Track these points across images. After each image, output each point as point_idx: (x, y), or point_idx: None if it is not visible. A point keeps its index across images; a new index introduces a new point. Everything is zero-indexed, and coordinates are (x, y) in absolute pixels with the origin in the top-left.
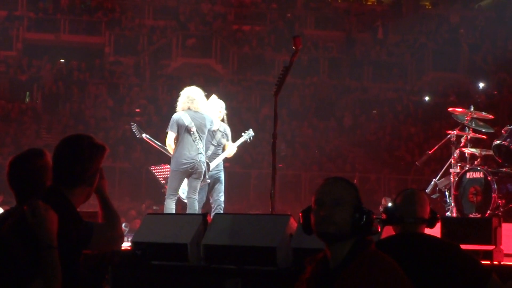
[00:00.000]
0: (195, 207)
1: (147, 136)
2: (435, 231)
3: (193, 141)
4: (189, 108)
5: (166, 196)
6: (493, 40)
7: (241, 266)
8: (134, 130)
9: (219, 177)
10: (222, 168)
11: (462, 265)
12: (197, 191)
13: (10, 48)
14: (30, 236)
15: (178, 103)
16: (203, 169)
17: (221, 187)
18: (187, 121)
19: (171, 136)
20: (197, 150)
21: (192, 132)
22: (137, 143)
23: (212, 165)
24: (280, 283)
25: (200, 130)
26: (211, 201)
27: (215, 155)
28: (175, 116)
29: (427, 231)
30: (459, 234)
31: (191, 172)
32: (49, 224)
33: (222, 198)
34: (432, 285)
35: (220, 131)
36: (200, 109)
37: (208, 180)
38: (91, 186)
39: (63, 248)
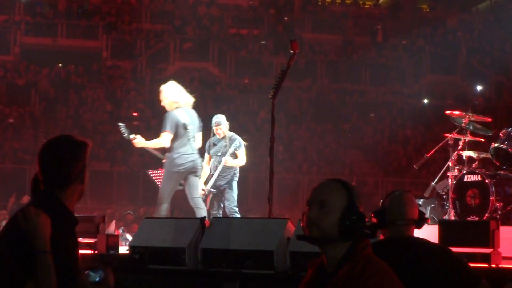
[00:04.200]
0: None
1: (137, 137)
2: (433, 234)
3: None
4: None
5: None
6: (491, 43)
7: (239, 270)
8: (122, 131)
9: (225, 187)
10: (230, 177)
11: (453, 269)
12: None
13: (7, 52)
14: (23, 241)
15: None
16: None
17: (228, 195)
18: (183, 118)
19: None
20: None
21: (189, 130)
22: (135, 148)
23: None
24: (277, 286)
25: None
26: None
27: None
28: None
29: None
30: (457, 237)
31: (192, 171)
32: (41, 228)
33: (232, 205)
34: None
35: (225, 142)
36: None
37: (214, 190)
38: (83, 183)
39: (58, 252)
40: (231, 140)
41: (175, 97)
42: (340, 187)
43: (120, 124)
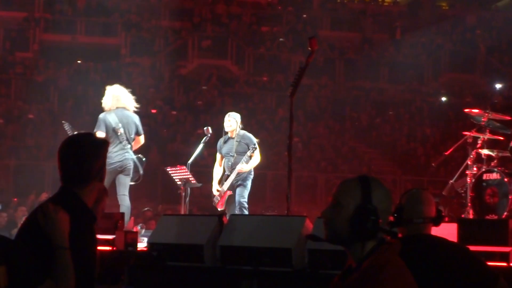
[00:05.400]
0: (127, 203)
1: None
2: (452, 232)
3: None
4: (117, 107)
5: None
6: (510, 41)
7: (257, 267)
8: (66, 129)
9: (240, 183)
10: (245, 175)
11: (470, 268)
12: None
13: (26, 49)
14: (42, 238)
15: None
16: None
17: (241, 190)
18: (113, 121)
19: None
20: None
21: (120, 134)
22: (154, 144)
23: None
24: (295, 284)
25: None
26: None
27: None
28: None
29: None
30: (475, 236)
31: (120, 170)
32: (60, 225)
33: (242, 199)
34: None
35: (237, 141)
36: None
37: (230, 192)
38: (102, 180)
39: (77, 248)
40: (243, 139)
41: (112, 100)
42: (355, 185)
43: (64, 122)
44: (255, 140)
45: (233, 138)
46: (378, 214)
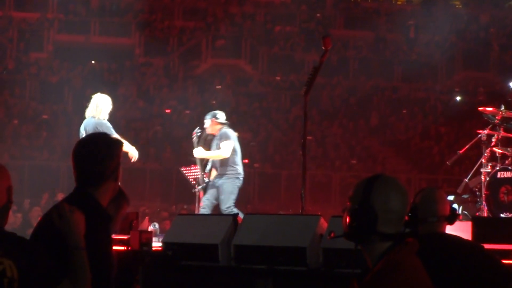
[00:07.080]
0: None
1: None
2: (467, 230)
3: None
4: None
5: None
6: None
7: (272, 266)
8: None
9: (218, 186)
10: (222, 177)
11: (485, 266)
12: None
13: (41, 50)
14: (57, 238)
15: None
16: None
17: (222, 196)
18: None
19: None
20: None
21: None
22: (168, 144)
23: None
24: (310, 283)
25: None
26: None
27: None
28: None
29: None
30: (490, 234)
31: None
32: (76, 225)
33: (225, 207)
34: (453, 285)
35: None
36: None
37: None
38: (116, 181)
39: (92, 248)
40: (220, 136)
41: (88, 109)
42: (362, 184)
43: None
44: (229, 134)
45: (215, 137)
46: (376, 214)
